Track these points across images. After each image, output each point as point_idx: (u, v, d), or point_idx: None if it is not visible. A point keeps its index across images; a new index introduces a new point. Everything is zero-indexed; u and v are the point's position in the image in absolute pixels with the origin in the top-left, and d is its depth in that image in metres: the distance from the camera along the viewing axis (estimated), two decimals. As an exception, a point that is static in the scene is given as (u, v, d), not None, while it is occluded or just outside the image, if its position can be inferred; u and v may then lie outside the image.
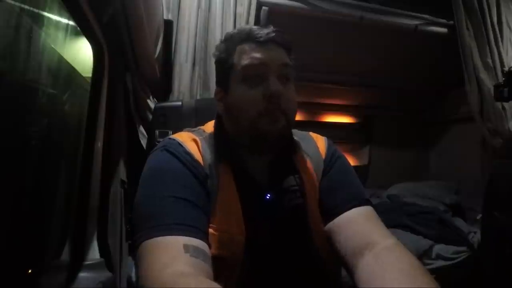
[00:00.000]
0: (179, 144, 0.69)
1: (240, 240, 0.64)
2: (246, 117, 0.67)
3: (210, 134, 0.74)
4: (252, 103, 0.66)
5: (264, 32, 0.69)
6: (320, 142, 0.80)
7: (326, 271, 0.71)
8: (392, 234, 0.64)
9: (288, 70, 0.70)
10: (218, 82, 0.76)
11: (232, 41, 0.71)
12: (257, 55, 0.67)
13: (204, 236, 0.59)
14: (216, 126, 0.75)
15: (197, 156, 0.68)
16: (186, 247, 0.53)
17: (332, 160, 0.76)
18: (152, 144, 1.15)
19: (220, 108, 0.74)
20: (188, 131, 0.76)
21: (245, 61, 0.68)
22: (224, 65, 0.71)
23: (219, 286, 0.48)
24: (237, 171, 0.69)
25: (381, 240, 0.60)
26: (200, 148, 0.70)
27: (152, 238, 0.55)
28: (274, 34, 0.69)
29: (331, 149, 0.79)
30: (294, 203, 0.71)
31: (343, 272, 0.71)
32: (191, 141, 0.71)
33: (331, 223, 0.68)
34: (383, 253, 0.57)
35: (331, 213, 0.69)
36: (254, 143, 0.70)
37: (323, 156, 0.77)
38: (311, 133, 0.83)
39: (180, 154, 0.67)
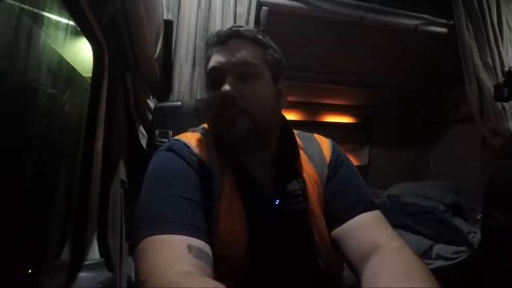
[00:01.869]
0: (185, 145, 0.69)
1: (242, 241, 0.64)
2: (209, 119, 0.71)
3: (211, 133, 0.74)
4: (211, 106, 0.69)
5: (225, 32, 0.70)
6: (325, 145, 0.79)
7: (327, 272, 0.71)
8: (397, 235, 0.64)
9: (248, 67, 0.68)
10: None
11: (209, 47, 0.73)
12: (217, 57, 0.69)
13: (207, 238, 0.59)
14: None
15: (203, 156, 0.68)
16: (190, 248, 0.53)
17: (337, 164, 0.76)
18: (152, 144, 1.15)
19: None
20: (193, 131, 0.76)
21: (208, 66, 0.71)
22: (205, 70, 0.74)
23: (224, 287, 0.47)
24: (239, 172, 0.69)
25: (386, 243, 0.60)
26: (205, 148, 0.70)
27: (156, 235, 0.55)
28: (235, 29, 0.70)
29: (335, 152, 0.78)
30: (296, 207, 0.70)
31: (346, 272, 0.71)
32: (196, 142, 0.70)
33: (338, 229, 0.68)
34: (386, 255, 0.57)
35: (338, 218, 0.69)
36: (222, 144, 0.70)
37: (328, 160, 0.76)
38: (315, 135, 0.82)
39: (185, 154, 0.66)
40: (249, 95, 0.67)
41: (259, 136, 0.69)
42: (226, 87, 0.66)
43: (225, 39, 0.69)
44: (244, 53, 0.69)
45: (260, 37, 0.72)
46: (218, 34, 0.71)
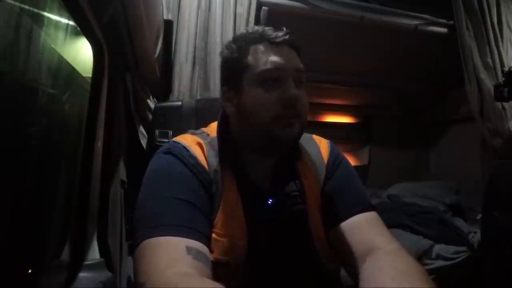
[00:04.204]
0: (184, 148, 0.68)
1: (242, 245, 0.64)
2: (261, 121, 0.65)
3: (214, 137, 0.73)
4: (267, 107, 0.65)
5: (278, 33, 0.68)
6: (323, 146, 0.79)
7: (326, 273, 0.71)
8: (393, 235, 0.64)
9: (302, 75, 0.69)
10: (227, 82, 0.73)
11: (245, 41, 0.70)
12: (275, 58, 0.66)
13: (206, 240, 0.59)
14: (220, 128, 0.73)
15: (202, 160, 0.68)
16: (189, 249, 0.53)
17: (334, 165, 0.76)
18: (152, 144, 1.15)
19: (228, 109, 0.72)
20: (192, 133, 0.75)
21: (262, 63, 0.66)
22: (237, 65, 0.69)
23: (223, 287, 0.47)
24: (239, 176, 0.69)
25: (383, 245, 0.60)
26: (205, 152, 0.69)
27: (155, 237, 0.55)
28: (288, 36, 0.69)
29: (333, 154, 0.78)
30: (294, 208, 0.70)
31: (342, 273, 0.71)
32: (195, 145, 0.70)
33: (334, 229, 0.68)
34: (383, 256, 0.57)
35: (334, 218, 0.69)
36: (268, 147, 0.69)
37: (325, 161, 0.76)
38: (314, 136, 0.82)
39: (184, 157, 0.66)
40: (303, 101, 0.68)
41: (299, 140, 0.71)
42: (294, 90, 0.65)
43: (279, 43, 0.68)
44: (298, 61, 0.70)
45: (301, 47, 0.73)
46: (266, 33, 0.69)
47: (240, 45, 0.70)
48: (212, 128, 0.76)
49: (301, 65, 0.70)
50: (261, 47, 0.68)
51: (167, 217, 0.57)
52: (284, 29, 0.70)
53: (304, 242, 0.69)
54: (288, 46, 0.69)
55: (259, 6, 1.69)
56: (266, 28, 0.70)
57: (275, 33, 0.68)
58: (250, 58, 0.68)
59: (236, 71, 0.70)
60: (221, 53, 0.75)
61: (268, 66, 0.66)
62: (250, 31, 0.72)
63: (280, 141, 0.66)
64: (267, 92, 0.66)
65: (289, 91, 0.65)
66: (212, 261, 0.58)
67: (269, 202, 0.70)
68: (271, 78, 0.66)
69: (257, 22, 1.68)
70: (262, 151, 0.71)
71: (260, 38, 0.69)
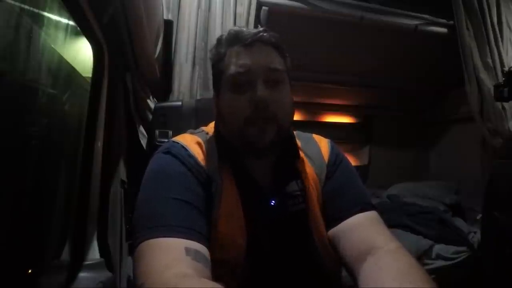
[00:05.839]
0: (183, 147, 0.68)
1: (241, 244, 0.64)
2: (234, 124, 0.67)
3: (212, 136, 0.73)
4: (238, 110, 0.66)
5: (251, 33, 0.67)
6: (324, 145, 0.79)
7: (327, 273, 0.71)
8: (394, 236, 0.64)
9: (276, 73, 0.68)
10: (212, 85, 0.76)
11: (222, 45, 0.70)
12: (244, 61, 0.66)
13: (205, 241, 0.59)
14: (215, 129, 0.75)
15: (201, 159, 0.68)
16: (188, 250, 0.53)
17: (335, 164, 0.76)
18: (152, 144, 1.15)
19: (215, 111, 0.74)
20: (192, 133, 0.76)
21: (232, 68, 0.67)
22: (217, 69, 0.71)
23: (222, 287, 0.47)
24: (239, 175, 0.69)
25: (383, 245, 0.60)
26: (204, 151, 0.69)
27: (153, 238, 0.55)
28: (260, 34, 0.67)
29: (334, 153, 0.78)
30: (296, 208, 0.70)
31: (343, 273, 0.71)
32: (194, 144, 0.70)
33: (335, 228, 0.68)
34: (383, 255, 0.57)
35: (335, 217, 0.69)
36: (245, 149, 0.69)
37: (326, 160, 0.76)
38: (314, 135, 0.82)
39: (183, 157, 0.66)
40: (277, 101, 0.66)
41: (281, 141, 0.70)
42: (261, 92, 0.64)
43: (250, 43, 0.67)
44: (272, 59, 0.68)
45: (283, 45, 0.71)
46: (240, 35, 0.68)
47: (219, 49, 0.71)
48: (211, 127, 0.77)
49: (277, 64, 0.68)
50: (234, 50, 0.68)
51: (166, 217, 0.57)
52: (259, 27, 0.70)
53: (305, 242, 0.69)
54: (263, 44, 0.68)
55: (259, 6, 1.70)
56: (242, 29, 0.70)
57: (247, 34, 0.67)
58: (225, 62, 0.69)
59: (216, 74, 0.72)
60: (209, 57, 0.75)
61: (236, 69, 0.66)
62: (227, 34, 0.71)
63: (254, 145, 0.66)
64: (237, 95, 0.66)
65: (258, 93, 0.64)
66: (211, 260, 0.58)
67: (272, 203, 0.69)
68: (241, 81, 0.66)
69: (257, 22, 1.68)
70: (243, 153, 0.71)
71: (234, 40, 0.68)
